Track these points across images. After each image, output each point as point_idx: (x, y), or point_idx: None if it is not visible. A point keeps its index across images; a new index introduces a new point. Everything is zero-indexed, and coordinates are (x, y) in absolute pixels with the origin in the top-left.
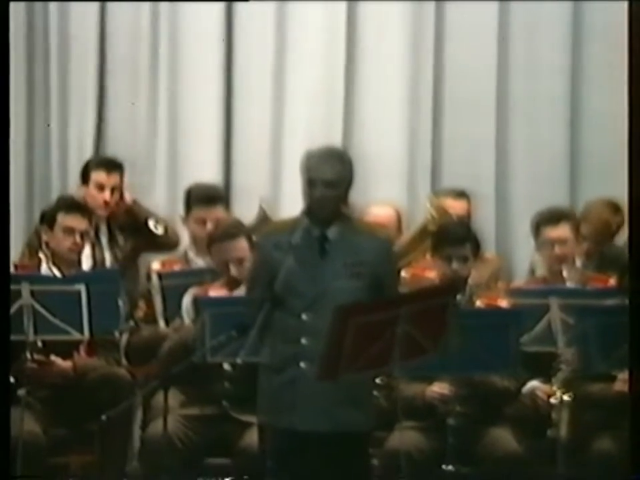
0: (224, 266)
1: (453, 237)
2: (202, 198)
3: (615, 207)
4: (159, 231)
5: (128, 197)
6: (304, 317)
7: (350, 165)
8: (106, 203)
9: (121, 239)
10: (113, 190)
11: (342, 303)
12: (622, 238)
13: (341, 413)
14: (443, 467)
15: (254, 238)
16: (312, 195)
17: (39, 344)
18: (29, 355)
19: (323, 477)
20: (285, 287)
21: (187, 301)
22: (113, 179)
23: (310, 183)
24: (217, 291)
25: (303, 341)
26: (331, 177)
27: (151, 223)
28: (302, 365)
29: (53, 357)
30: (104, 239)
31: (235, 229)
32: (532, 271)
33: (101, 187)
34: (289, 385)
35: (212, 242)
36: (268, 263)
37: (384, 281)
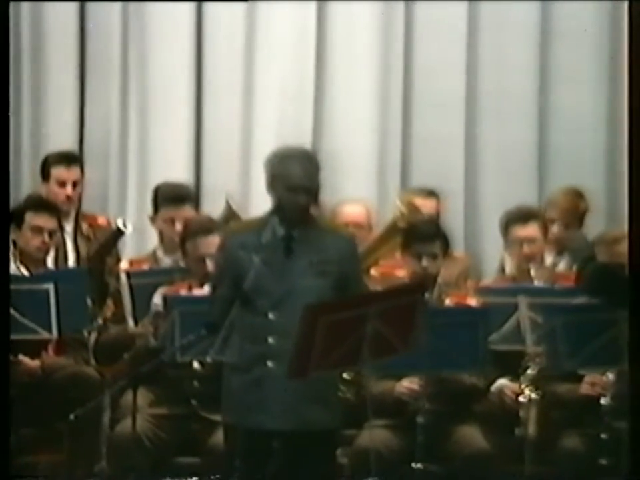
0: (199, 262)
1: (423, 234)
2: (170, 197)
3: (579, 194)
4: (128, 229)
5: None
6: (271, 316)
7: (320, 167)
8: (68, 198)
9: (85, 239)
10: (74, 184)
11: (308, 301)
12: (588, 226)
13: (308, 412)
14: (413, 465)
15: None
16: (292, 202)
17: None
18: None
19: (291, 476)
20: (251, 286)
21: (156, 300)
22: (74, 173)
23: (290, 189)
24: (192, 289)
25: (270, 340)
26: (314, 185)
27: (120, 222)
28: (269, 364)
29: (20, 356)
30: (68, 238)
31: (210, 224)
32: (502, 269)
33: (62, 183)
34: (256, 384)
35: (187, 237)
36: (233, 263)
37: (349, 278)
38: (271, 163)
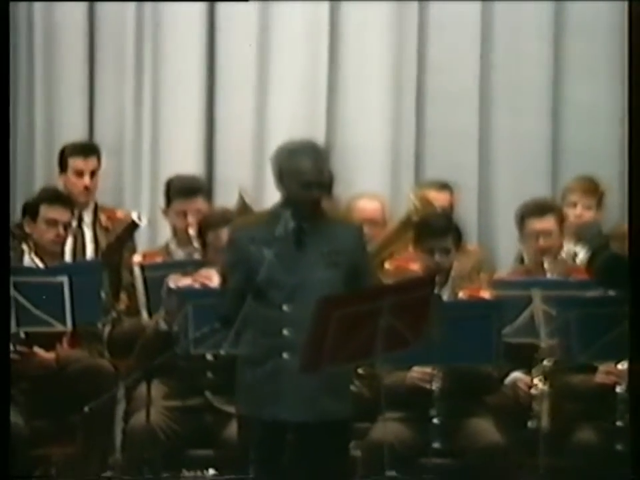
0: (221, 252)
1: (435, 229)
2: (182, 190)
3: (594, 179)
4: (143, 222)
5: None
6: (285, 308)
7: (328, 159)
8: (86, 188)
9: (104, 230)
10: (92, 174)
11: (321, 292)
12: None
13: (323, 403)
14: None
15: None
16: (305, 197)
17: (22, 335)
18: (12, 347)
19: (305, 467)
20: (264, 279)
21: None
22: (91, 163)
23: (304, 185)
24: (213, 277)
25: (285, 332)
26: (326, 180)
27: (135, 215)
28: (284, 355)
29: (35, 349)
30: (87, 229)
31: (230, 216)
32: (521, 259)
33: (79, 173)
34: (271, 376)
35: (208, 229)
36: (244, 257)
37: (360, 268)
38: (279, 158)
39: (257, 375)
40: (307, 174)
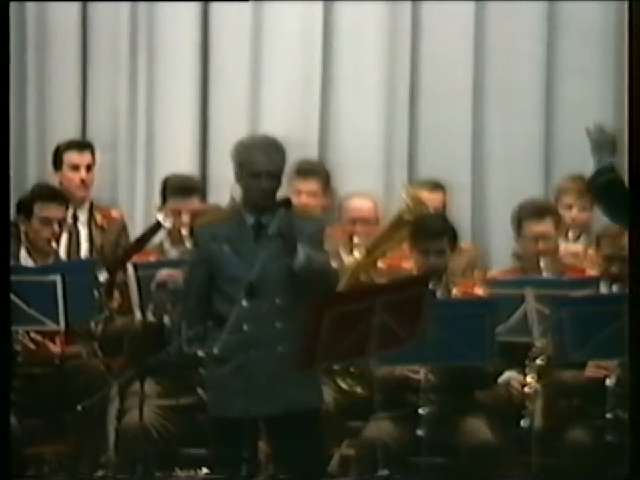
0: None
1: (430, 230)
2: (178, 189)
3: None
4: (167, 224)
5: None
6: (244, 303)
7: (285, 153)
8: (83, 182)
9: (99, 229)
10: (87, 168)
11: (279, 286)
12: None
13: (290, 394)
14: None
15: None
16: (256, 187)
17: None
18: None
19: (281, 458)
20: (223, 276)
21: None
22: (86, 157)
23: (253, 175)
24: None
25: (245, 327)
26: (274, 168)
27: (160, 216)
28: (250, 352)
29: (46, 340)
30: (82, 227)
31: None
32: (518, 257)
33: (75, 167)
34: (237, 372)
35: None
36: (206, 254)
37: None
38: (234, 152)
39: (222, 373)
40: (255, 164)
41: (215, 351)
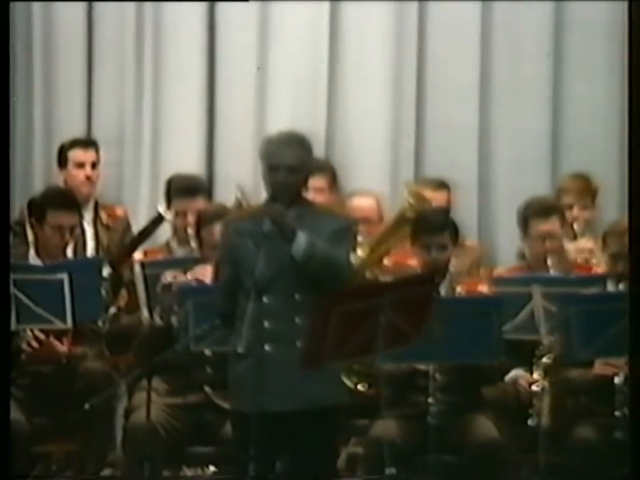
0: (215, 249)
1: (431, 225)
2: (183, 189)
3: (586, 176)
4: (168, 216)
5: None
6: (265, 299)
7: (310, 149)
8: (88, 178)
9: (105, 228)
10: (93, 165)
11: (299, 283)
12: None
13: (308, 390)
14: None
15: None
16: (273, 180)
17: None
18: (30, 332)
19: (295, 455)
20: (246, 271)
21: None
22: (91, 154)
23: (271, 169)
24: (207, 274)
25: (266, 323)
26: (292, 162)
27: (161, 208)
28: (266, 347)
29: (52, 339)
30: (87, 227)
31: (224, 212)
32: (522, 256)
33: (80, 165)
34: (255, 368)
35: (202, 225)
36: (233, 251)
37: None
38: (260, 148)
39: (242, 368)
40: (272, 157)
41: (240, 349)
